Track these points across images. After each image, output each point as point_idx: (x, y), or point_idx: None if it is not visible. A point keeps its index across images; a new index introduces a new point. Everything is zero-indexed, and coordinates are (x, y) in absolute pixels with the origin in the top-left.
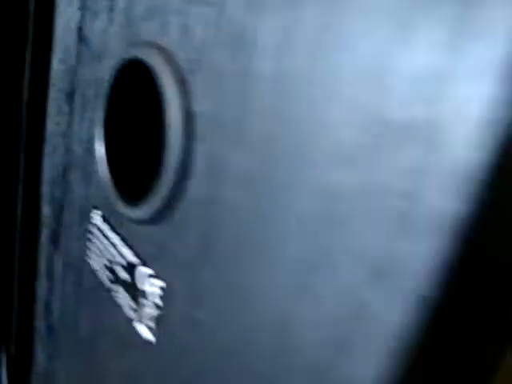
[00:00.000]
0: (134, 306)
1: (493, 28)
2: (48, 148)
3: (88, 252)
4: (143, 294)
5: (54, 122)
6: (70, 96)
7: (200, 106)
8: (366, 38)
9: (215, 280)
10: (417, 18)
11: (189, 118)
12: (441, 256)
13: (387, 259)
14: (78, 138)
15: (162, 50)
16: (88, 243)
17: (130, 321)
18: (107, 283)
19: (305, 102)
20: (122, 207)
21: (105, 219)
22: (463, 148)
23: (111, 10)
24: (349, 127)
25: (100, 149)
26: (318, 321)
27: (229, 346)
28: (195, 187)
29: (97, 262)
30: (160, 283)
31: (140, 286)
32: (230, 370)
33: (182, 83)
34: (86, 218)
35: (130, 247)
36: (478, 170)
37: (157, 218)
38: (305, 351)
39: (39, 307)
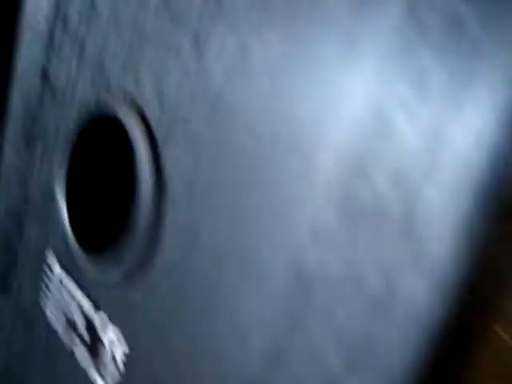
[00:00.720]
0: (96, 368)
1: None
2: (2, 188)
3: (44, 300)
4: (106, 357)
5: (10, 162)
6: (30, 141)
7: (173, 170)
8: None
9: (181, 346)
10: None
11: (161, 181)
12: (414, 345)
13: (363, 344)
14: (38, 185)
15: (135, 108)
16: (45, 291)
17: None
18: (67, 339)
19: (282, 177)
20: (87, 268)
21: (64, 269)
22: (438, 244)
23: (81, 55)
24: (325, 207)
25: (62, 206)
26: None
27: None
28: (165, 252)
29: (54, 314)
30: (124, 347)
31: (102, 348)
32: None
33: (156, 146)
34: (42, 264)
35: (93, 302)
36: (452, 266)
37: (123, 282)
38: None
39: None
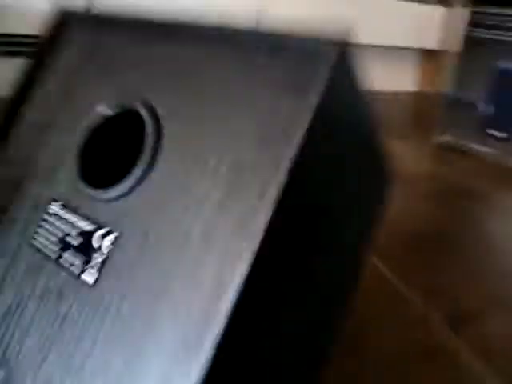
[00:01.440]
0: (82, 261)
1: None
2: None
3: (36, 236)
4: (94, 249)
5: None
6: (43, 129)
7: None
8: None
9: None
10: None
11: (159, 133)
12: None
13: None
14: (48, 151)
15: (148, 106)
16: (38, 229)
17: (72, 276)
18: (53, 254)
19: None
20: (91, 192)
21: (64, 206)
22: None
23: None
24: None
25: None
26: None
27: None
28: (159, 170)
29: (43, 241)
30: (111, 237)
31: (92, 243)
32: None
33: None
34: (37, 210)
35: (88, 219)
36: None
37: (124, 195)
38: None
39: None
